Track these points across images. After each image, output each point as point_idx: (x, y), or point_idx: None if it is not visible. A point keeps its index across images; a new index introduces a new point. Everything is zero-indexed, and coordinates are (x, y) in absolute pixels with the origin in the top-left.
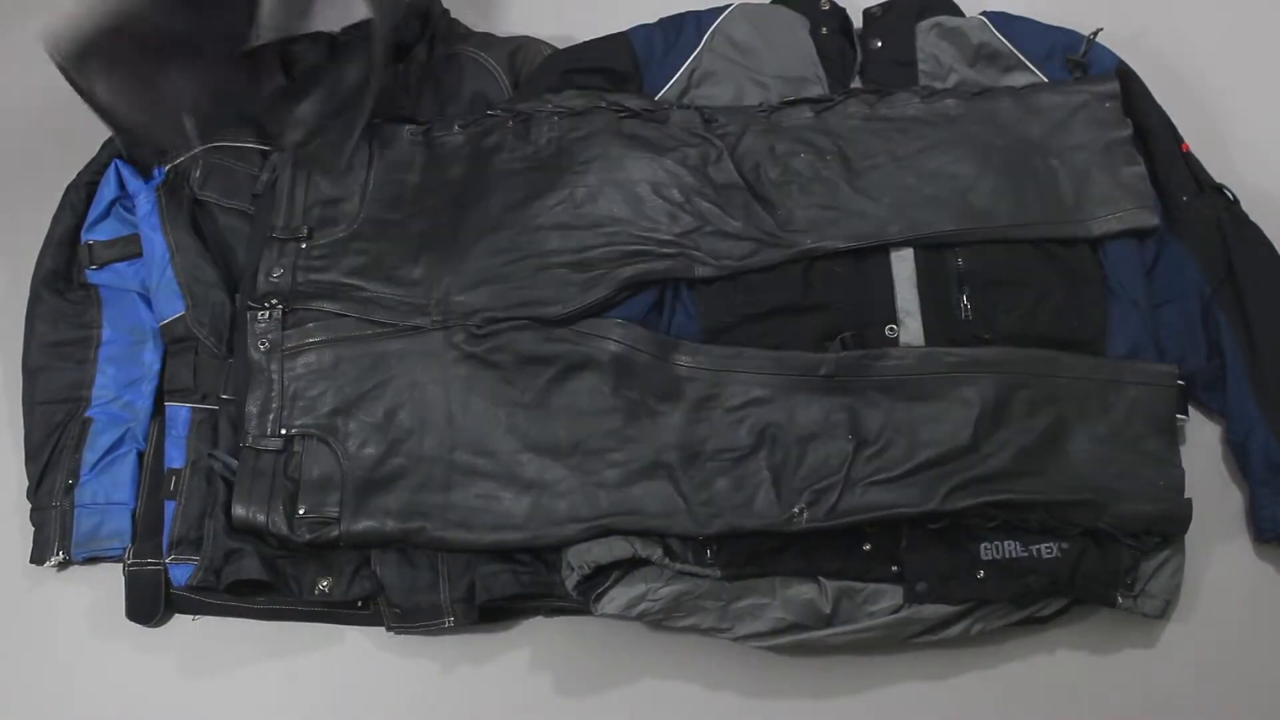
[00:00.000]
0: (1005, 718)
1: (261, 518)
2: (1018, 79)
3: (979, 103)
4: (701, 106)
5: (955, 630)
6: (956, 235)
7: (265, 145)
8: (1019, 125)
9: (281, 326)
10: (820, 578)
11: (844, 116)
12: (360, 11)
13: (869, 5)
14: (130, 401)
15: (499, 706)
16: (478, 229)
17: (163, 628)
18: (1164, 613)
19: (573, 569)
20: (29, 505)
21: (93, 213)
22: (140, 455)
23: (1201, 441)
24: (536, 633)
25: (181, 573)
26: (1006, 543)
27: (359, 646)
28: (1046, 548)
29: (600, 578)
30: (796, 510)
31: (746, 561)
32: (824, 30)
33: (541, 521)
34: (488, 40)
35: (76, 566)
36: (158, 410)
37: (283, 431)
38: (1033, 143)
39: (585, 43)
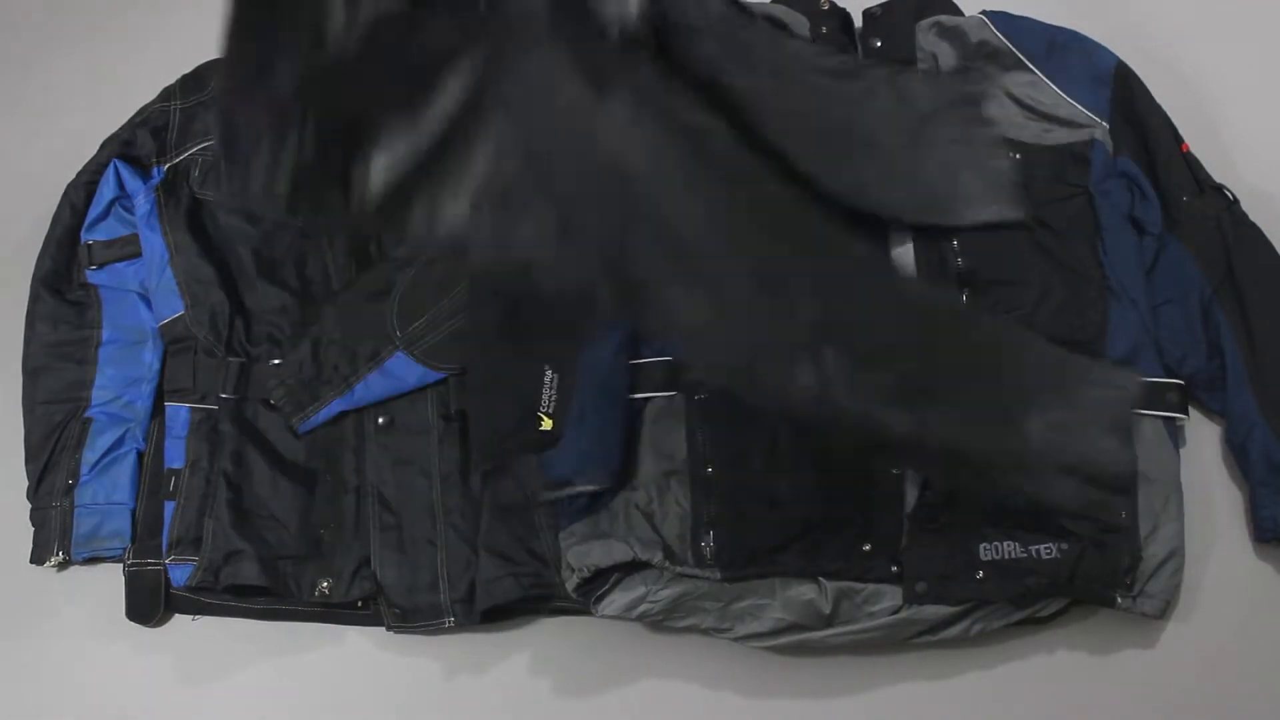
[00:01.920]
0: (1005, 718)
1: None
2: (1017, 78)
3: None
4: None
5: (955, 630)
6: None
7: None
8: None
9: None
10: (820, 578)
11: None
12: None
13: (869, 5)
14: (130, 401)
15: (499, 706)
16: None
17: (163, 628)
18: (1164, 613)
19: (573, 571)
20: (29, 505)
21: (92, 213)
22: (140, 455)
23: (1201, 441)
24: (536, 633)
25: (181, 573)
26: (1006, 543)
27: (359, 646)
28: (1046, 548)
29: (600, 580)
30: None
31: (746, 562)
32: (824, 30)
33: None
34: None
35: (76, 566)
36: (158, 410)
37: None
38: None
39: None
